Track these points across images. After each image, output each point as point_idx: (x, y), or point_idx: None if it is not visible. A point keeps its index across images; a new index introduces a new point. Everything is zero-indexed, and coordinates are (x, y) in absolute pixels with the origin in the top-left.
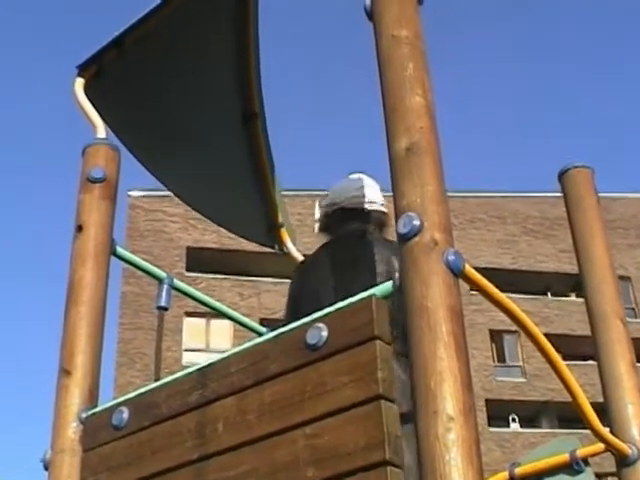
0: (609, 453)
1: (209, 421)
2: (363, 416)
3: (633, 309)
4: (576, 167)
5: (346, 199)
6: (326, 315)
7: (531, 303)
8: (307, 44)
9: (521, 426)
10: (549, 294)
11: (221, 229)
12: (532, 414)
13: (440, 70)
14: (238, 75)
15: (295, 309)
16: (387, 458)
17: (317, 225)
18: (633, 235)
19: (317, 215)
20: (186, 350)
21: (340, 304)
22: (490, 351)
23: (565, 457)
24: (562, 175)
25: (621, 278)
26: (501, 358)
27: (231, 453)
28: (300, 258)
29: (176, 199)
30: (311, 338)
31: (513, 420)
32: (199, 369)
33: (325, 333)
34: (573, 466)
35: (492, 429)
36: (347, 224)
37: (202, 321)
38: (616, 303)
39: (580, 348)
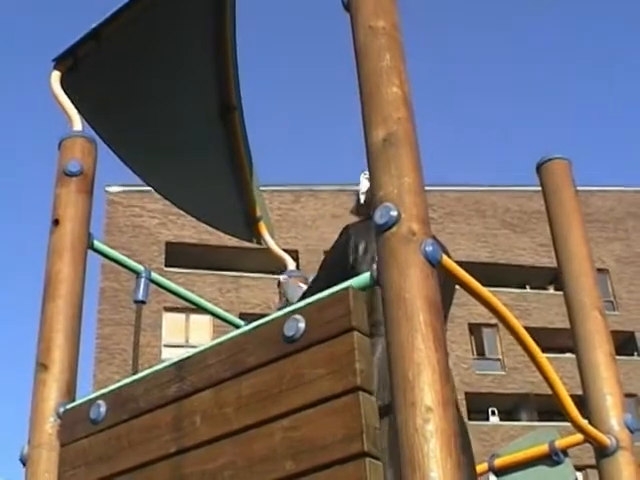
0: (588, 445)
1: (187, 414)
2: (341, 408)
3: (611, 302)
4: (554, 159)
5: None
6: (303, 307)
7: (509, 296)
8: (285, 37)
9: (500, 419)
10: (528, 287)
11: (200, 224)
12: (511, 407)
13: (419, 62)
14: (216, 68)
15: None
16: (365, 450)
17: (362, 195)
18: (611, 228)
19: (363, 186)
20: (165, 346)
21: (317, 296)
22: (469, 344)
23: (544, 448)
24: (540, 167)
25: (599, 271)
26: (480, 351)
27: (209, 446)
28: (279, 251)
29: (155, 194)
30: (288, 330)
31: (492, 413)
32: (176, 362)
33: (302, 325)
34: (552, 457)
35: (471, 422)
36: None
37: (182, 316)
38: (594, 294)
39: (558, 341)
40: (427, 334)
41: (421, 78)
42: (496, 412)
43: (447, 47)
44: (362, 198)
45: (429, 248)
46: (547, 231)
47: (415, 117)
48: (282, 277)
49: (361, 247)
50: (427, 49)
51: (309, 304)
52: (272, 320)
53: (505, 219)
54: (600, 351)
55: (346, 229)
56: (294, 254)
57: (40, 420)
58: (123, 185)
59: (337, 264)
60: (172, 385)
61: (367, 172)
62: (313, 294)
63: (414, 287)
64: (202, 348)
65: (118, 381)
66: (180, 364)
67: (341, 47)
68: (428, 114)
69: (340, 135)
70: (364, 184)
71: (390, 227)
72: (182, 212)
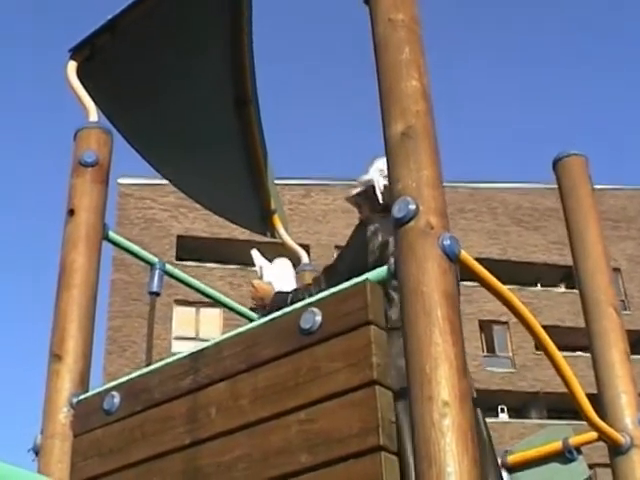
0: (598, 444)
1: (202, 406)
2: (357, 401)
3: (623, 301)
4: (570, 155)
5: None
6: (320, 300)
7: (521, 294)
8: (304, 30)
9: (510, 416)
10: (539, 285)
11: (211, 218)
12: (521, 405)
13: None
14: (231, 61)
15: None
16: (381, 444)
17: (380, 192)
18: (623, 227)
19: (379, 182)
20: (176, 338)
21: (334, 289)
22: (479, 341)
23: (558, 445)
24: (556, 163)
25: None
26: (490, 348)
27: (224, 438)
28: (293, 245)
29: (166, 187)
30: (305, 323)
31: (502, 410)
32: (191, 354)
33: (319, 318)
34: (565, 454)
35: None
36: None
37: (192, 310)
38: (610, 291)
39: (569, 339)
40: (445, 328)
41: (433, 72)
42: (505, 410)
43: (459, 40)
44: (379, 192)
45: (447, 242)
46: (559, 229)
47: (434, 110)
48: (258, 263)
49: (388, 244)
50: (439, 42)
51: (326, 297)
52: (288, 312)
53: (517, 216)
54: (615, 349)
55: (366, 225)
56: (305, 249)
57: (53, 410)
58: (135, 177)
59: (359, 259)
60: (187, 377)
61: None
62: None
63: (432, 281)
64: (217, 340)
65: (128, 373)
66: (195, 356)
67: (359, 40)
68: (440, 109)
69: (352, 130)
70: (382, 179)
71: (408, 221)
72: (193, 205)
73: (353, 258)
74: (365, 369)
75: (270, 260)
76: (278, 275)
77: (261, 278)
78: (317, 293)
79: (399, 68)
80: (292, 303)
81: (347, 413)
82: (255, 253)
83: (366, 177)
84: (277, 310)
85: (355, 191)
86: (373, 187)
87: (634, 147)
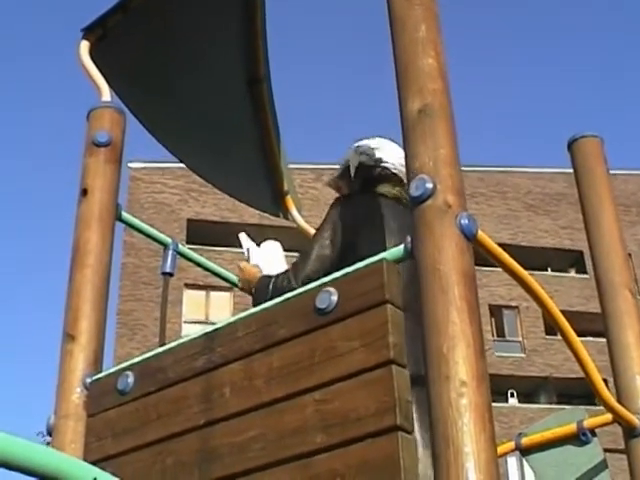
0: (607, 428)
1: (216, 386)
2: (374, 381)
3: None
4: (586, 136)
5: (396, 162)
6: (336, 279)
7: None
8: (319, 11)
9: (519, 401)
10: (549, 270)
11: (221, 201)
12: (531, 389)
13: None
14: (244, 40)
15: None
16: (398, 423)
17: (353, 169)
18: (634, 212)
19: (354, 160)
20: (186, 322)
21: (350, 268)
22: (489, 326)
23: (572, 428)
24: (571, 144)
25: None
26: (500, 333)
27: (238, 418)
28: (306, 226)
29: (177, 171)
30: (321, 302)
31: (512, 395)
32: (206, 333)
33: (335, 297)
34: (580, 437)
35: None
36: (388, 186)
37: (202, 293)
38: (625, 273)
39: (579, 324)
40: (462, 307)
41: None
42: (515, 394)
43: (467, 20)
44: (352, 170)
45: (465, 221)
46: (570, 213)
47: (451, 89)
48: (245, 243)
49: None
50: (452, 21)
51: (342, 276)
52: (304, 292)
53: (527, 201)
54: (630, 331)
55: (343, 201)
56: None
57: (67, 391)
58: (145, 162)
59: (338, 234)
60: (201, 357)
61: (361, 148)
62: (314, 266)
63: (450, 260)
64: (232, 320)
65: (138, 357)
66: (210, 335)
67: (374, 21)
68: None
69: (364, 113)
70: (354, 158)
71: (426, 199)
72: (204, 189)
73: (334, 238)
74: (382, 349)
75: (258, 244)
76: (266, 258)
77: (248, 261)
78: (295, 279)
79: (416, 46)
80: (274, 288)
81: (363, 393)
82: (243, 236)
83: (343, 157)
84: (261, 295)
85: (335, 174)
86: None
87: None
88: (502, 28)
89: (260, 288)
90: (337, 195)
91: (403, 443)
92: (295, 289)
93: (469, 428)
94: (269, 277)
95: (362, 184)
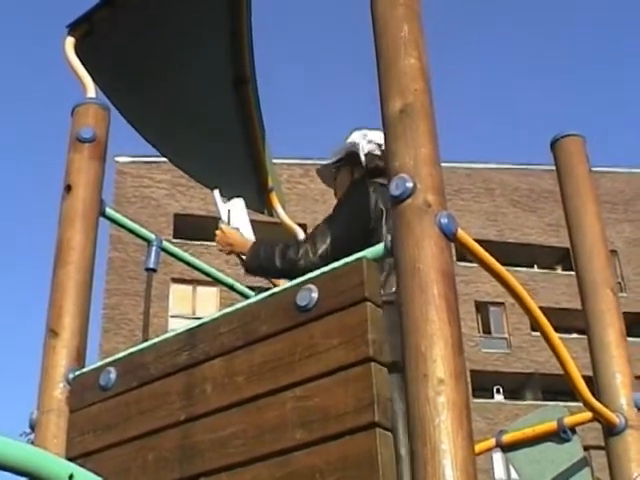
0: (591, 425)
1: (197, 382)
2: (353, 378)
3: (619, 283)
4: (568, 135)
5: None
6: (317, 277)
7: (517, 275)
8: (303, 11)
9: (505, 397)
10: (536, 267)
11: (208, 196)
12: (516, 386)
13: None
14: (230, 40)
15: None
16: (376, 420)
17: (363, 156)
18: (620, 210)
19: (363, 146)
20: (172, 316)
21: (331, 265)
22: (475, 322)
23: (553, 425)
24: (554, 143)
25: None
26: (486, 329)
27: (219, 414)
28: (290, 222)
29: (163, 165)
30: (301, 299)
31: (497, 391)
32: (188, 330)
33: (315, 295)
34: (560, 434)
35: (476, 400)
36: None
37: (188, 288)
38: (606, 272)
39: (565, 321)
40: (441, 306)
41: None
42: (501, 390)
43: (454, 18)
44: (362, 158)
45: (444, 220)
46: (556, 211)
47: (432, 89)
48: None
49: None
50: (438, 22)
51: (322, 274)
52: (285, 289)
53: (514, 197)
54: (611, 329)
55: (366, 184)
56: (302, 227)
57: (50, 386)
58: (132, 156)
59: (359, 220)
60: (183, 353)
61: (369, 136)
62: (332, 244)
63: (429, 258)
64: (214, 316)
65: (122, 352)
66: (192, 332)
67: (358, 20)
68: (438, 89)
69: (352, 110)
70: (365, 144)
71: (405, 198)
72: (190, 184)
73: (351, 219)
74: (361, 346)
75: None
76: (244, 220)
77: (228, 223)
78: (313, 254)
79: (398, 46)
80: (285, 259)
81: (343, 390)
82: (217, 194)
83: (349, 141)
84: (265, 263)
85: (334, 158)
86: (356, 152)
87: (631, 129)
88: (497, 26)
89: (263, 256)
90: (325, 187)
91: (381, 439)
92: (314, 264)
93: (446, 426)
94: (270, 245)
95: (368, 173)
